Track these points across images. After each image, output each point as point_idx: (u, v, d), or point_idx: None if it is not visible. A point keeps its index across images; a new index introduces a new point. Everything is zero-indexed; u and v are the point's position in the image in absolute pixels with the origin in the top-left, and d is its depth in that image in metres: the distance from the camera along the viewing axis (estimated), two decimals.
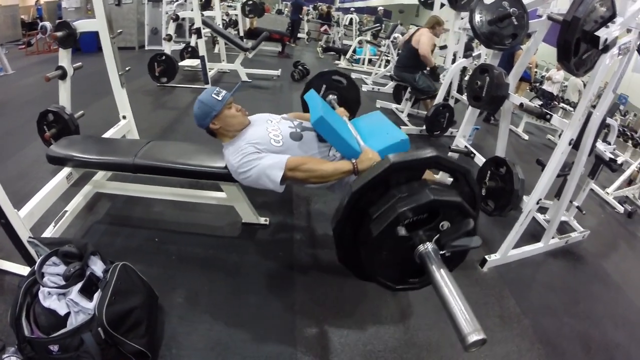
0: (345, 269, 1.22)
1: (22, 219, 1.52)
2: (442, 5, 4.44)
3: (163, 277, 1.77)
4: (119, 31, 2.50)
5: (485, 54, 3.48)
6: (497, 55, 2.51)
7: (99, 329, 1.19)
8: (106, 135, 2.38)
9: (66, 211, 1.95)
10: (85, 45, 6.11)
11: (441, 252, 1.03)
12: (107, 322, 1.21)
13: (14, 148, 2.85)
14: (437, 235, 1.04)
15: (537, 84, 7.50)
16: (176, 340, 1.50)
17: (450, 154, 2.74)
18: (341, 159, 1.67)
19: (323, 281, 1.89)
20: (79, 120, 2.47)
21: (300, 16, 10.48)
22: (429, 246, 1.02)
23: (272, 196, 1.96)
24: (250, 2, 8.19)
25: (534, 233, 2.54)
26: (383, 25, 6.79)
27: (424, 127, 4.07)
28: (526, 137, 5.13)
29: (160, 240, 2.04)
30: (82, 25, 2.34)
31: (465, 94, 2.73)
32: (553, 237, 2.44)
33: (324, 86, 2.38)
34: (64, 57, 2.44)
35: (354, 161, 1.55)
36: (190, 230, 2.15)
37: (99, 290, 1.29)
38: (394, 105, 5.07)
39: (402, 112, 4.75)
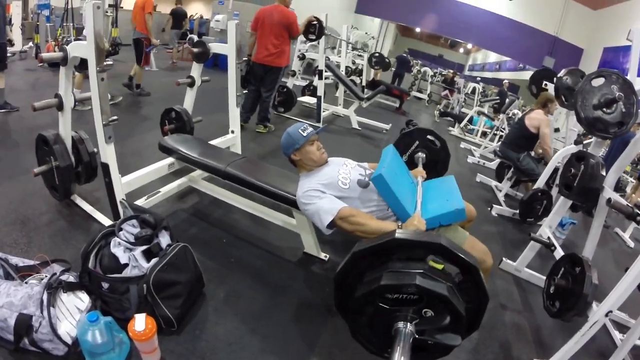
0: None
1: (122, 183, 1.95)
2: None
3: (216, 272, 1.99)
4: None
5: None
6: (600, 144, 2.33)
7: (145, 285, 1.45)
8: (213, 142, 2.80)
9: (159, 191, 2.36)
10: (224, 64, 7.34)
11: (418, 337, 1.01)
12: (152, 282, 1.47)
13: (141, 130, 3.52)
14: (417, 320, 1.02)
15: None
16: (203, 325, 1.66)
17: (531, 242, 2.55)
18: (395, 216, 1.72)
19: None
20: (195, 124, 2.97)
21: (406, 72, 11.03)
22: (407, 326, 1.01)
23: (338, 236, 2.04)
24: (377, 54, 8.77)
25: (605, 352, 2.12)
26: (507, 100, 6.53)
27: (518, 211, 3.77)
28: (632, 244, 4.31)
29: (227, 242, 2.28)
30: (216, 47, 2.86)
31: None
32: None
33: (417, 142, 2.41)
34: (196, 70, 2.89)
35: (399, 224, 1.58)
36: (255, 243, 2.33)
37: (158, 257, 1.57)
38: (493, 183, 4.82)
39: (500, 190, 4.49)
